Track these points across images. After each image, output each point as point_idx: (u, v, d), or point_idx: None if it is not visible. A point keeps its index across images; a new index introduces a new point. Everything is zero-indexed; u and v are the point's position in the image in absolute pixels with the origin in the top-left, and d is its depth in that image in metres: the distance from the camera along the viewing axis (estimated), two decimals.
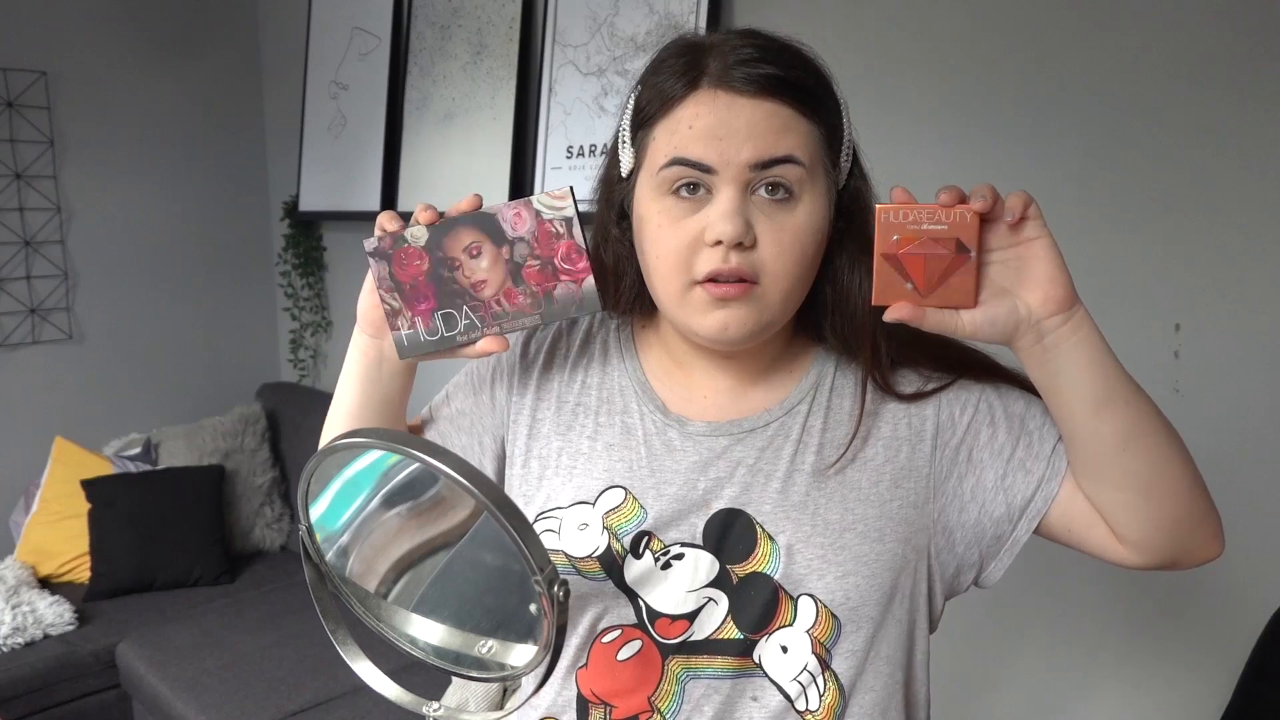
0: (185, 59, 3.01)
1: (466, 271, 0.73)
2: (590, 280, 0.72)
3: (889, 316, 0.65)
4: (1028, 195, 0.65)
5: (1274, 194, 1.28)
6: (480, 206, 0.72)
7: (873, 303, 0.66)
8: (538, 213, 0.71)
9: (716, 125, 0.69)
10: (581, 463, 0.80)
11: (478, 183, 2.32)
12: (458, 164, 2.39)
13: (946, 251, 0.64)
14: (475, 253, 0.72)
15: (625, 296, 0.81)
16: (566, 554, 0.77)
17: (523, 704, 0.79)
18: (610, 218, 0.80)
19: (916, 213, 0.64)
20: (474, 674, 0.67)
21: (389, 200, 2.60)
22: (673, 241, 0.71)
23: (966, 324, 0.65)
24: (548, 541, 0.78)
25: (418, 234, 0.72)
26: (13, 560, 2.56)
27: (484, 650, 0.66)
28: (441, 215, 0.73)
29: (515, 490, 0.84)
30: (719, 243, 0.69)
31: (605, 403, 0.82)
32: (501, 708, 1.31)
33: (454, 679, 1.91)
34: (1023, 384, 0.78)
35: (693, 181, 0.70)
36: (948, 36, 1.56)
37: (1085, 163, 1.43)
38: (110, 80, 2.86)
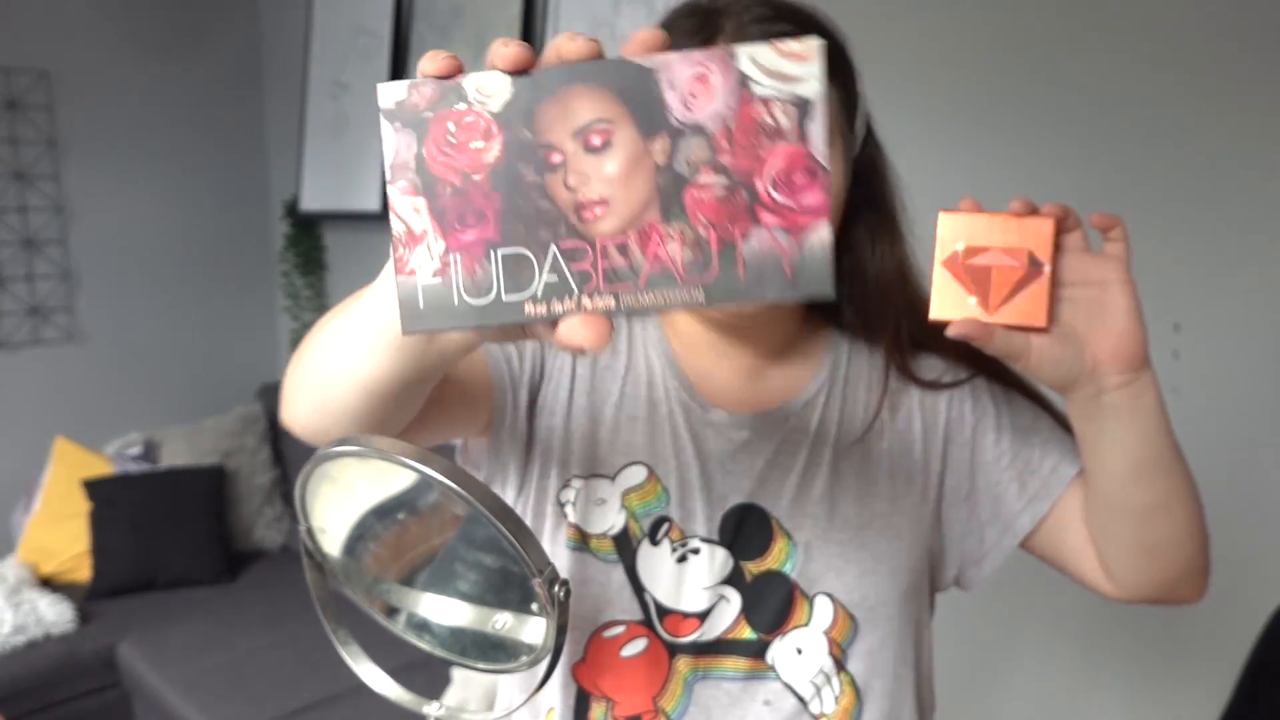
0: (186, 59, 3.01)
1: (573, 176, 0.38)
2: (824, 227, 0.37)
3: (952, 332, 0.57)
4: (1118, 218, 0.59)
5: (1274, 194, 1.28)
6: (651, 50, 0.38)
7: (930, 316, 0.59)
8: (743, 79, 0.37)
9: None
10: (605, 432, 0.75)
11: None
12: None
13: (1018, 264, 0.57)
14: (599, 141, 0.38)
15: None
16: (580, 528, 0.73)
17: (523, 703, 0.79)
18: None
19: (984, 221, 0.57)
20: (481, 665, 0.67)
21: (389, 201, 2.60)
22: None
23: (1034, 352, 0.58)
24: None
25: (488, 86, 0.37)
26: (14, 560, 2.56)
27: (498, 625, 0.66)
28: (536, 60, 0.38)
29: (542, 440, 0.75)
30: None
31: (631, 370, 0.77)
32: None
33: (454, 679, 1.91)
34: (1031, 394, 0.77)
35: None
36: (945, 36, 1.56)
37: (1084, 162, 1.43)
38: (112, 80, 2.86)
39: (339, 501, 0.66)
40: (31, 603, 2.35)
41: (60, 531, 2.59)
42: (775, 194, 0.37)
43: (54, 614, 2.34)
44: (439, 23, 2.45)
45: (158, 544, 2.56)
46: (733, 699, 0.73)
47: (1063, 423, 0.75)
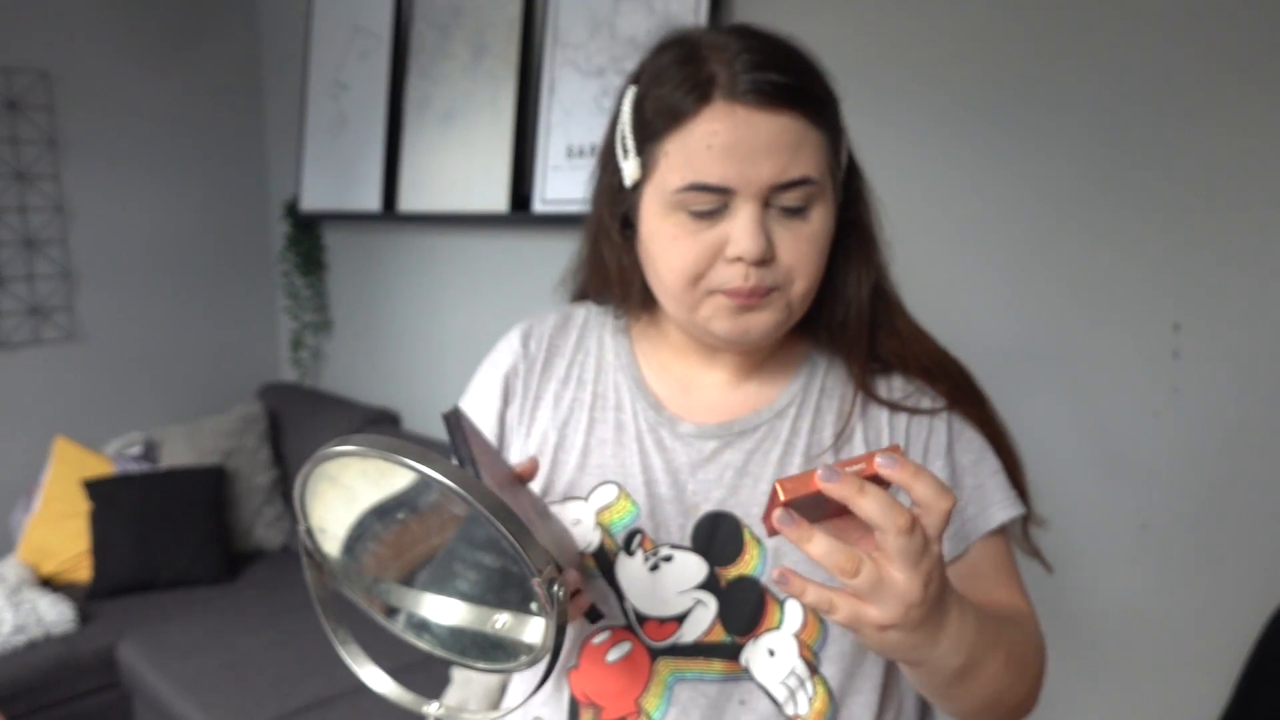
0: (186, 59, 3.01)
1: None
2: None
3: (775, 518, 0.56)
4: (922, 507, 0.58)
5: (1274, 193, 1.28)
6: None
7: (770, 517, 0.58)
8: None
9: (736, 144, 0.67)
10: (575, 458, 0.81)
11: (478, 182, 2.32)
12: (458, 164, 2.39)
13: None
14: None
15: (634, 301, 0.81)
16: None
17: (523, 703, 0.79)
18: (613, 225, 0.78)
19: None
20: (480, 665, 0.67)
21: (389, 200, 2.60)
22: (690, 255, 0.70)
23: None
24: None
25: None
26: (14, 560, 2.57)
27: (497, 625, 0.66)
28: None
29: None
30: (739, 258, 0.69)
31: (600, 398, 0.82)
32: (499, 706, 1.31)
33: (454, 679, 1.91)
34: (994, 430, 0.79)
35: (711, 206, 0.69)
36: (946, 35, 1.56)
37: (1084, 162, 1.43)
38: (112, 80, 2.86)
39: (339, 501, 0.66)
40: (31, 603, 2.35)
41: (60, 531, 2.60)
42: None
43: (54, 614, 2.34)
44: (439, 22, 2.45)
45: (158, 544, 2.56)
46: (710, 700, 0.75)
47: (1011, 464, 0.79)
